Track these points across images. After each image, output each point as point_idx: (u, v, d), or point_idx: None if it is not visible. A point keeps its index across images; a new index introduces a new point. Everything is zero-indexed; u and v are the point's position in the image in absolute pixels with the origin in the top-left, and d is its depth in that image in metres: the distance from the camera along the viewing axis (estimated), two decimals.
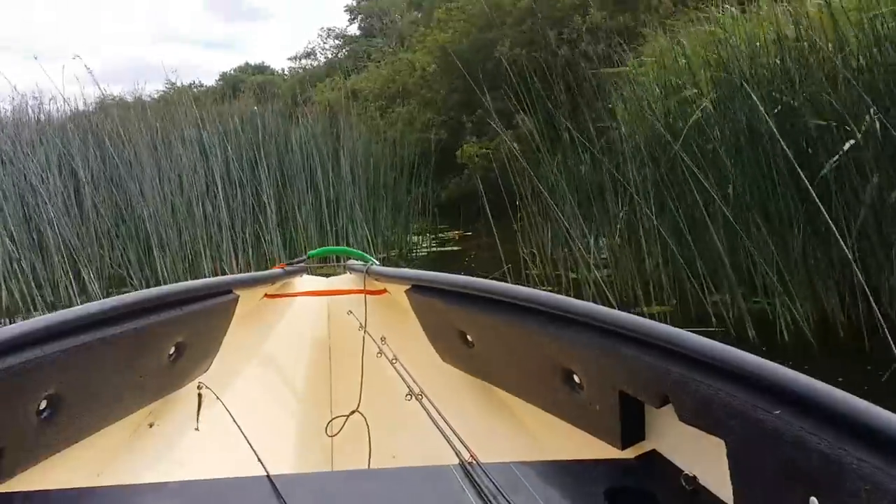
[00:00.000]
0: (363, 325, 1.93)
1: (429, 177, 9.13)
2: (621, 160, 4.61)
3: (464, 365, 1.68)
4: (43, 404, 1.12)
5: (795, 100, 3.54)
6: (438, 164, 9.54)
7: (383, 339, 1.83)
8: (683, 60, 4.69)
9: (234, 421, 1.45)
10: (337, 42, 27.77)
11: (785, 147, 3.19)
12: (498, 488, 1.08)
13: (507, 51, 11.28)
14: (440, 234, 9.55)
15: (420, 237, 9.14)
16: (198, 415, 1.54)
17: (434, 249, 8.63)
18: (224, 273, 6.37)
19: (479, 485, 1.10)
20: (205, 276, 6.07)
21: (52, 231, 5.87)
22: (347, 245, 6.97)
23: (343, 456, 1.71)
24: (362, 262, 2.15)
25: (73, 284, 5.63)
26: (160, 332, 1.38)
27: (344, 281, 2.24)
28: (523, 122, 5.28)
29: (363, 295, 2.03)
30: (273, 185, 7.11)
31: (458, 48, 12.46)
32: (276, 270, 2.15)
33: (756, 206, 3.56)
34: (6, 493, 1.07)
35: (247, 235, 6.80)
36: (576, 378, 1.25)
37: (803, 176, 3.08)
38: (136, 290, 1.47)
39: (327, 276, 2.43)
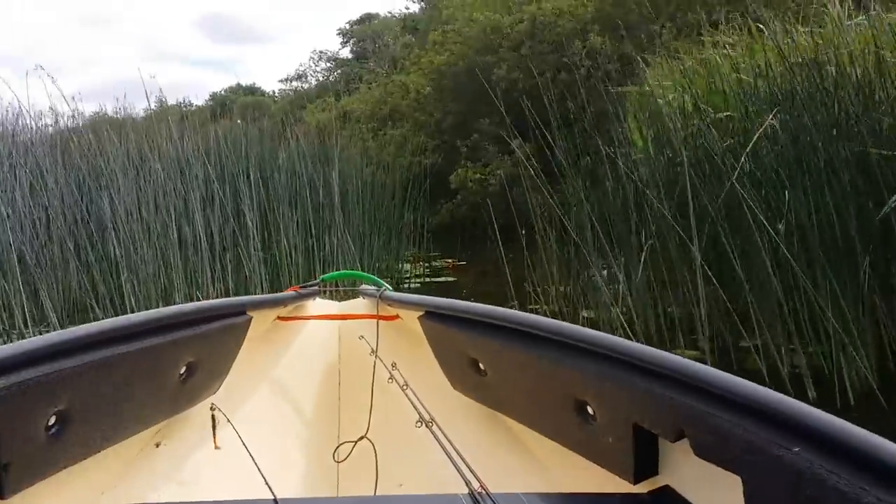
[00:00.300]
0: (374, 350, 1.90)
1: (420, 202, 8.69)
2: (646, 184, 4.19)
3: (475, 393, 1.66)
4: (52, 420, 1.10)
5: (856, 126, 3.16)
6: (431, 188, 9.13)
7: (394, 364, 1.79)
8: (712, 80, 4.39)
9: (242, 443, 1.40)
10: (328, 65, 27.62)
11: (847, 176, 2.80)
12: None
13: (505, 74, 10.97)
14: (433, 263, 9.06)
15: (412, 265, 8.65)
16: (206, 436, 1.52)
17: (427, 280, 8.11)
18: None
19: None
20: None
21: (10, 252, 5.33)
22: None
23: (349, 482, 1.69)
24: (375, 287, 2.12)
25: (32, 309, 5.09)
26: (173, 351, 1.38)
27: (356, 305, 2.23)
28: (540, 138, 4.84)
29: (375, 320, 2.02)
30: (257, 208, 6.64)
31: (454, 70, 12.15)
32: (289, 293, 2.14)
33: (815, 241, 3.12)
34: None
35: (227, 260, 6.31)
36: (589, 409, 1.23)
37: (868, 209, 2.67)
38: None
39: (339, 300, 2.40)
